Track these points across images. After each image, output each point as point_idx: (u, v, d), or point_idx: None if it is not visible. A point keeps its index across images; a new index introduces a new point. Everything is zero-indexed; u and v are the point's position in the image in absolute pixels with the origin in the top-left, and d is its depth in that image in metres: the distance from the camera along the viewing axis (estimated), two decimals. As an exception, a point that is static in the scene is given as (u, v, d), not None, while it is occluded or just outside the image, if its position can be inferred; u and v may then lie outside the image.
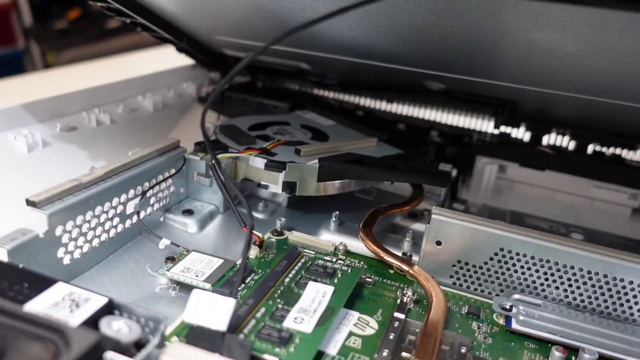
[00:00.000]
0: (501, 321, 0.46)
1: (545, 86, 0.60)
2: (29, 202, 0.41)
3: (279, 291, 0.44)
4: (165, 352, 0.28)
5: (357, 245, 0.53)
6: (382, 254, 0.50)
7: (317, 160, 0.56)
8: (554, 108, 0.70)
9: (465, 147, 0.78)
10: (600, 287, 0.47)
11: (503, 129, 0.79)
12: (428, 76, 0.69)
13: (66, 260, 0.44)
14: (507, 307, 0.46)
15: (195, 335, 0.36)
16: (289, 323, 0.39)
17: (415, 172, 0.62)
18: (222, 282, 0.44)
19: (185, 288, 0.45)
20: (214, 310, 0.36)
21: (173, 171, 0.56)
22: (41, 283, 0.34)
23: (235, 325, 0.38)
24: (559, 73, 0.56)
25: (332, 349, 0.39)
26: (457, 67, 0.62)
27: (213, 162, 0.55)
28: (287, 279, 0.45)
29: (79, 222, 0.44)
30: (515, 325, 0.44)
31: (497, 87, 0.65)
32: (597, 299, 0.47)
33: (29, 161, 0.54)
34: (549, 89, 0.61)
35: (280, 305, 0.42)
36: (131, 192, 0.50)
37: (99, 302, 0.34)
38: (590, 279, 0.47)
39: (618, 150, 0.76)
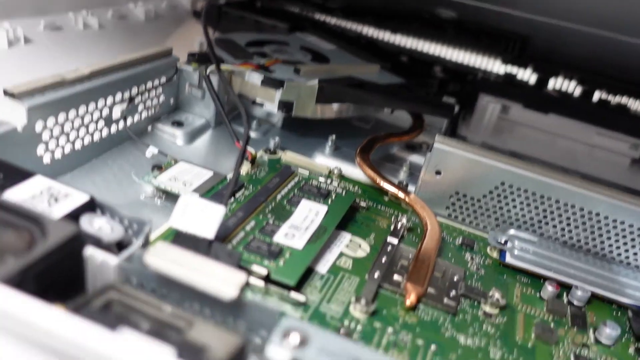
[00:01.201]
0: (495, 255, 0.45)
1: (560, 17, 0.57)
2: (7, 93, 0.38)
3: (270, 207, 0.42)
4: (149, 252, 0.27)
5: (352, 171, 0.51)
6: (378, 179, 0.48)
7: (317, 81, 0.53)
8: (566, 46, 0.67)
9: (469, 84, 0.76)
10: (599, 228, 0.45)
11: (509, 69, 0.76)
12: (440, 1, 0.65)
13: (46, 159, 0.41)
14: (502, 241, 0.45)
15: (181, 242, 0.34)
16: (279, 238, 0.38)
17: (418, 101, 0.59)
18: (211, 194, 0.42)
19: (172, 198, 0.43)
20: (202, 218, 0.34)
21: (164, 79, 0.52)
22: (18, 175, 0.32)
23: (223, 236, 0.37)
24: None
25: (322, 268, 0.38)
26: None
27: (208, 72, 0.52)
28: (278, 196, 0.44)
29: (61, 120, 0.41)
30: (509, 259, 0.43)
31: (511, 17, 0.62)
32: (594, 239, 0.46)
33: (8, 56, 0.51)
34: (564, 21, 0.57)
35: (270, 221, 0.40)
36: (118, 96, 0.47)
37: (80, 199, 0.32)
38: (590, 219, 0.45)
39: (624, 100, 0.74)
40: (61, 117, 0.41)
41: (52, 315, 0.18)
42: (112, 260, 0.28)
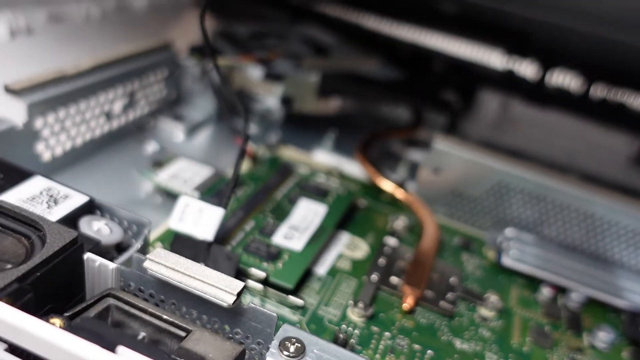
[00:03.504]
0: (491, 255, 0.45)
1: (561, 16, 0.57)
2: (9, 90, 0.38)
3: (269, 206, 0.42)
4: (148, 257, 0.27)
5: (352, 169, 0.51)
6: (377, 177, 0.48)
7: (317, 76, 0.53)
8: (566, 45, 0.67)
9: (469, 79, 0.75)
10: (595, 230, 0.46)
11: (510, 64, 0.76)
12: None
13: (46, 156, 0.41)
14: (499, 241, 0.45)
15: (180, 244, 0.34)
16: (278, 239, 0.38)
17: (418, 96, 0.59)
18: (212, 193, 0.42)
19: (172, 197, 0.43)
20: (201, 219, 0.34)
21: (166, 73, 0.52)
22: (17, 175, 0.32)
23: (223, 236, 0.37)
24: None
25: (321, 269, 0.38)
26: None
27: (209, 68, 0.52)
28: (279, 195, 0.44)
29: (61, 116, 0.41)
30: (505, 261, 0.43)
31: (511, 16, 0.61)
32: (590, 240, 0.46)
33: (10, 47, 0.50)
34: (564, 21, 0.57)
35: (270, 220, 0.40)
36: (119, 90, 0.47)
37: (79, 200, 0.32)
38: (586, 220, 0.46)
39: (625, 97, 0.74)
40: (62, 113, 0.41)
41: (49, 334, 0.18)
42: (110, 264, 0.28)
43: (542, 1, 0.57)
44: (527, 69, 0.76)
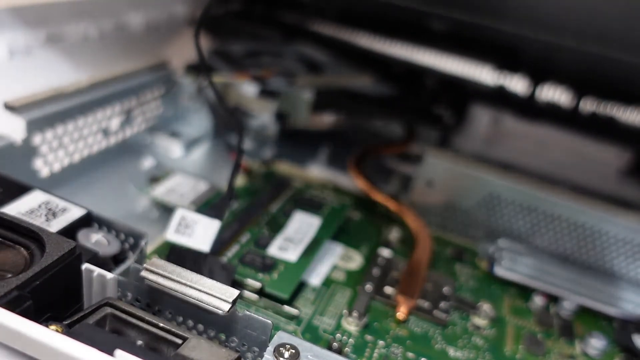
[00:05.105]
0: (484, 266, 0.46)
1: (550, 33, 0.58)
2: (8, 107, 0.39)
3: (264, 219, 0.43)
4: (145, 267, 0.27)
5: (346, 182, 0.52)
6: (371, 190, 0.49)
7: (311, 92, 0.54)
8: (557, 60, 0.69)
9: (460, 95, 0.77)
10: (584, 239, 0.46)
11: (501, 80, 0.77)
12: (432, 15, 0.66)
13: (44, 172, 0.42)
14: (492, 252, 0.46)
15: (177, 255, 0.35)
16: (273, 250, 0.38)
17: (410, 112, 0.60)
18: (208, 207, 0.43)
19: (169, 211, 0.43)
20: (197, 231, 0.35)
21: (162, 91, 0.53)
22: (16, 189, 0.32)
23: (219, 249, 0.37)
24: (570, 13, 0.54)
25: (315, 280, 0.38)
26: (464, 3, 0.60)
27: (204, 85, 0.53)
28: (273, 208, 0.44)
29: (59, 132, 0.42)
30: (498, 271, 0.44)
31: (500, 33, 0.63)
32: (581, 250, 0.47)
33: (10, 67, 0.51)
34: (553, 37, 0.59)
35: (265, 232, 0.41)
36: (117, 108, 0.48)
37: (77, 213, 0.32)
38: (576, 230, 0.46)
39: (615, 110, 0.75)
40: (60, 129, 0.42)
41: (49, 339, 0.19)
42: (107, 274, 0.28)
43: (530, 18, 0.58)
44: (517, 84, 0.77)
